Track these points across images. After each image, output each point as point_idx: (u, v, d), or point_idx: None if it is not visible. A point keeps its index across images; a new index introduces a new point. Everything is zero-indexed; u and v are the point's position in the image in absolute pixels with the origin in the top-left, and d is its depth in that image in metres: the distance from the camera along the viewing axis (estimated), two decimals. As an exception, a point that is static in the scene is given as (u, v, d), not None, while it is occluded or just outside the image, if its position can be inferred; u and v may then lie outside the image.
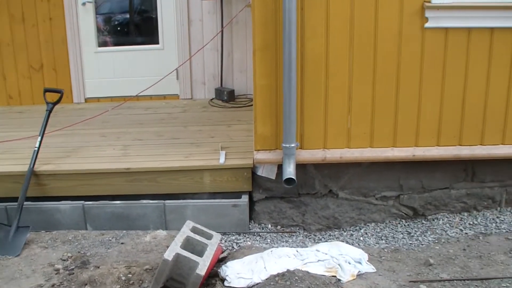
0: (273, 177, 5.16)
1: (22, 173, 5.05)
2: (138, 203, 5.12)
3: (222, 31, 7.16)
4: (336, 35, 4.74)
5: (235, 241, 4.99)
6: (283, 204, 5.28)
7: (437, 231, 5.07)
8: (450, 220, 5.22)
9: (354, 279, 4.06)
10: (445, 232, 5.04)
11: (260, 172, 5.16)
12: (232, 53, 7.34)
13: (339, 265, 4.17)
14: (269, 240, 5.04)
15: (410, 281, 4.13)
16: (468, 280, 4.16)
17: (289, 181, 4.82)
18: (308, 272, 4.05)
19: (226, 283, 4.04)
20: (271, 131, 4.95)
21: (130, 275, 4.17)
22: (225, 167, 5.14)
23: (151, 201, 5.13)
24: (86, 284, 4.09)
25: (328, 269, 4.14)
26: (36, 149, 5.15)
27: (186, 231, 4.16)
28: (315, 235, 5.21)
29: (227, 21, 7.15)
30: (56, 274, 4.26)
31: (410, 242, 4.94)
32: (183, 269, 3.88)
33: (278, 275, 3.99)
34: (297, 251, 4.36)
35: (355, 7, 4.67)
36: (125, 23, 7.65)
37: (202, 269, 3.82)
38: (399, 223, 5.29)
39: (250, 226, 5.24)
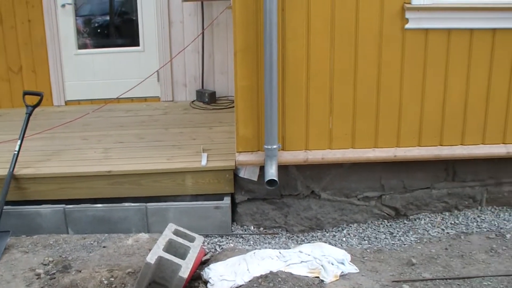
0: (255, 178, 5.15)
1: (2, 177, 4.99)
2: (119, 206, 5.09)
3: (203, 33, 7.14)
4: (317, 36, 4.74)
5: (218, 243, 4.98)
6: (266, 206, 5.27)
7: (419, 231, 5.10)
8: (432, 220, 5.25)
9: (337, 280, 4.07)
10: (427, 232, 5.07)
11: (242, 173, 5.16)
12: (213, 54, 7.32)
13: (322, 266, 4.17)
14: (252, 242, 5.04)
15: (393, 281, 4.14)
16: (450, 279, 4.19)
17: (271, 182, 4.82)
18: (291, 274, 4.05)
19: (209, 286, 4.03)
20: (252, 133, 4.94)
21: (113, 279, 4.14)
22: (207, 169, 5.13)
23: (133, 204, 5.10)
24: (67, 289, 4.06)
25: (311, 270, 4.14)
26: (16, 152, 5.09)
27: (168, 234, 4.15)
28: (298, 237, 5.21)
29: (208, 23, 7.13)
30: (37, 279, 4.22)
31: (393, 242, 4.96)
32: (165, 272, 3.86)
33: (261, 277, 3.99)
34: (280, 252, 4.36)
35: (335, 8, 4.68)
36: (105, 25, 7.60)
37: (185, 272, 3.80)
38: (381, 224, 5.31)
39: (232, 228, 5.23)
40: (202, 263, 4.41)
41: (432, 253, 4.63)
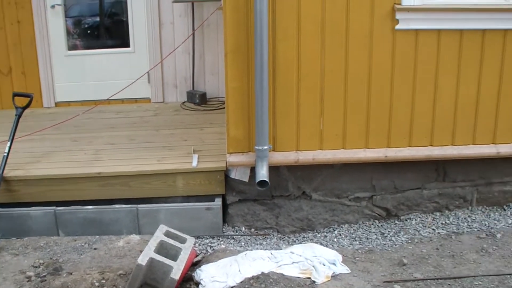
0: (246, 179, 5.15)
1: (-8, 179, 4.97)
2: (110, 208, 5.07)
3: (193, 34, 7.14)
4: (308, 37, 4.75)
5: (209, 244, 4.98)
6: (257, 207, 5.27)
7: (410, 231, 5.11)
8: (423, 220, 5.26)
9: (328, 281, 4.07)
10: (418, 232, 5.08)
11: (233, 175, 5.15)
12: (203, 55, 7.31)
13: (313, 266, 4.17)
14: (243, 243, 5.03)
15: (384, 281, 4.15)
16: (441, 279, 4.20)
17: (262, 183, 4.82)
18: (282, 275, 4.05)
19: (200, 287, 4.02)
20: (243, 134, 4.94)
21: (104, 281, 4.13)
22: (198, 170, 5.12)
23: (123, 206, 5.09)
24: (58, 291, 4.05)
25: (302, 271, 4.14)
26: (6, 154, 5.07)
27: (159, 235, 4.14)
28: (289, 237, 5.21)
29: (198, 24, 7.12)
30: (27, 281, 4.20)
31: (384, 242, 4.96)
32: (157, 273, 3.85)
33: (252, 278, 3.99)
34: (271, 253, 4.36)
35: (326, 9, 4.69)
36: (95, 26, 7.57)
37: (176, 274, 3.80)
38: (372, 224, 5.32)
39: (224, 229, 5.23)
40: (194, 265, 4.40)
41: (423, 253, 4.64)
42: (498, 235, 4.88)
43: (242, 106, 4.86)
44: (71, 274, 4.23)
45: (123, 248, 4.68)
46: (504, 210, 5.38)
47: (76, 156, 5.50)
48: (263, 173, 4.82)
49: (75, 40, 7.44)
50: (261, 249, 4.82)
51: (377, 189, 5.28)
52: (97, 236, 4.93)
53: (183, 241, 4.22)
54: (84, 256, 4.55)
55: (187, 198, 5.17)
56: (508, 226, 5.09)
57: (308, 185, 5.23)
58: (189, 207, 5.10)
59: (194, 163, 5.16)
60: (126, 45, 7.34)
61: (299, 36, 4.74)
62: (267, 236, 5.21)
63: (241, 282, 3.99)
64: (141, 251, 4.04)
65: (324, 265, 4.23)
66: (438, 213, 5.35)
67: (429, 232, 5.06)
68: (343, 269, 4.28)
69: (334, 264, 4.29)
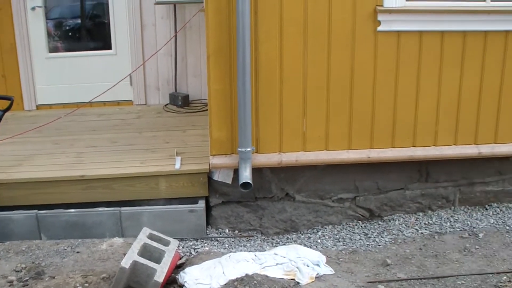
0: (230, 181, 5.14)
1: (-28, 183, 4.93)
2: (93, 211, 5.04)
3: (175, 36, 7.12)
4: (290, 38, 4.75)
5: (193, 246, 4.96)
6: (240, 209, 5.26)
7: (394, 231, 5.13)
8: (406, 221, 5.29)
9: (312, 282, 4.08)
10: (401, 232, 5.10)
11: (216, 177, 5.14)
12: (186, 58, 7.30)
13: (297, 268, 4.18)
14: (227, 245, 5.02)
15: (368, 282, 4.16)
16: (424, 279, 4.22)
17: (246, 185, 4.81)
18: (267, 276, 4.05)
19: (184, 290, 4.02)
20: (226, 136, 4.93)
21: (87, 285, 4.10)
22: (181, 173, 5.11)
23: (106, 209, 5.06)
24: (41, 295, 4.02)
25: (286, 272, 4.14)
26: (-13, 158, 5.03)
27: (143, 238, 4.12)
28: (273, 239, 5.21)
29: (180, 25, 7.11)
30: (9, 286, 4.16)
31: (367, 243, 4.98)
32: (140, 276, 3.83)
33: (237, 280, 3.98)
34: (255, 255, 4.36)
35: (308, 10, 4.70)
36: (76, 28, 7.53)
37: (160, 276, 3.78)
38: (356, 225, 5.33)
39: (207, 231, 5.22)
40: (178, 267, 4.39)
41: (407, 253, 4.66)
42: (481, 235, 4.92)
43: (225, 108, 4.85)
44: (54, 278, 4.20)
45: (106, 251, 4.65)
46: (486, 209, 5.42)
47: (58, 159, 5.46)
48: (246, 175, 4.82)
49: (56, 42, 7.39)
50: (245, 251, 4.81)
51: (360, 190, 5.30)
52: (80, 240, 4.90)
53: (166, 243, 4.20)
54: (67, 259, 4.52)
55: (170, 201, 5.16)
56: (490, 225, 5.13)
57: (291, 187, 5.23)
58: (172, 209, 5.08)
59: (177, 166, 5.14)
60: (108, 47, 7.31)
61: (281, 38, 4.74)
62: (251, 238, 5.21)
63: (225, 284, 3.98)
64: (124, 254, 4.02)
65: (308, 266, 4.23)
66: (421, 213, 5.38)
67: (412, 232, 5.09)
68: (327, 270, 4.28)
69: (318, 265, 4.29)
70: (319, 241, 5.10)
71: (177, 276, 4.16)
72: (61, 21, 7.43)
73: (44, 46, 7.18)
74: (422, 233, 5.06)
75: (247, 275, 4.02)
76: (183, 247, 4.93)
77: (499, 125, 5.15)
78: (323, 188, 5.26)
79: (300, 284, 4.02)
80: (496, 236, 4.90)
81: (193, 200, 5.15)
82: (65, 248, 4.75)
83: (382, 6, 4.74)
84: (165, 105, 7.30)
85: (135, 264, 3.78)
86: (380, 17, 4.76)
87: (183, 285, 4.04)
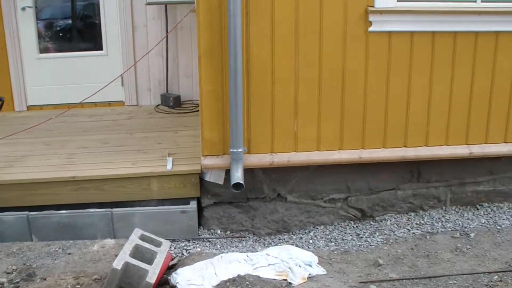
0: (221, 182, 5.14)
1: (-37, 184, 4.90)
2: (84, 212, 5.02)
3: (167, 36, 7.11)
4: (282, 39, 4.75)
5: (185, 247, 4.95)
6: (232, 209, 5.26)
7: (385, 231, 5.14)
8: (398, 221, 5.30)
9: (305, 282, 4.08)
10: (393, 232, 5.11)
11: (208, 177, 5.14)
12: (177, 58, 7.29)
13: (289, 268, 4.18)
14: (219, 246, 5.02)
15: (360, 282, 4.17)
16: (416, 279, 4.23)
17: (237, 186, 4.81)
18: (259, 277, 4.05)
19: (176, 291, 4.01)
20: (218, 137, 4.93)
21: (79, 286, 4.09)
22: (173, 174, 5.09)
23: (98, 210, 5.04)
24: (32, 297, 4.00)
25: (279, 273, 4.14)
26: (-23, 159, 5.01)
27: (134, 239, 4.11)
28: (265, 239, 5.21)
29: (171, 26, 7.10)
30: (0, 287, 4.15)
31: (359, 243, 4.98)
32: (132, 277, 3.83)
33: (229, 280, 3.98)
34: (247, 256, 4.36)
35: (299, 11, 4.70)
36: (67, 29, 7.51)
37: (152, 277, 3.78)
38: (347, 225, 5.34)
39: (199, 232, 5.21)
40: (169, 268, 4.38)
41: (399, 254, 4.67)
42: (472, 235, 4.93)
43: (217, 109, 4.85)
44: (45, 279, 4.19)
45: (98, 252, 4.64)
46: (477, 209, 5.44)
47: (49, 160, 5.44)
48: (238, 176, 4.82)
49: (47, 42, 7.36)
50: (237, 251, 4.81)
51: (352, 190, 5.31)
52: (71, 241, 4.89)
53: (158, 244, 4.20)
54: (58, 261, 4.51)
55: (162, 202, 5.14)
56: (481, 225, 5.15)
57: (283, 187, 5.23)
58: (164, 210, 5.07)
59: (169, 166, 5.14)
60: (99, 48, 7.29)
61: (273, 38, 4.74)
62: (243, 239, 5.21)
63: (217, 285, 3.98)
64: (116, 255, 4.01)
65: (300, 266, 4.24)
66: (412, 214, 5.39)
67: (404, 233, 5.10)
68: (319, 270, 4.29)
69: (310, 265, 4.30)
70: (311, 241, 5.10)
71: (169, 277, 4.16)
72: (52, 22, 7.41)
73: (35, 47, 7.16)
74: (413, 233, 5.07)
75: (239, 275, 4.02)
76: (175, 248, 4.92)
77: (489, 126, 5.17)
78: (315, 188, 5.27)
79: (292, 285, 4.03)
80: (487, 236, 4.92)
81: (185, 201, 5.14)
82: (57, 249, 4.74)
83: (373, 6, 4.74)
84: (157, 106, 7.29)
85: (127, 265, 3.78)
86: (371, 18, 4.77)
87: (175, 286, 4.04)
